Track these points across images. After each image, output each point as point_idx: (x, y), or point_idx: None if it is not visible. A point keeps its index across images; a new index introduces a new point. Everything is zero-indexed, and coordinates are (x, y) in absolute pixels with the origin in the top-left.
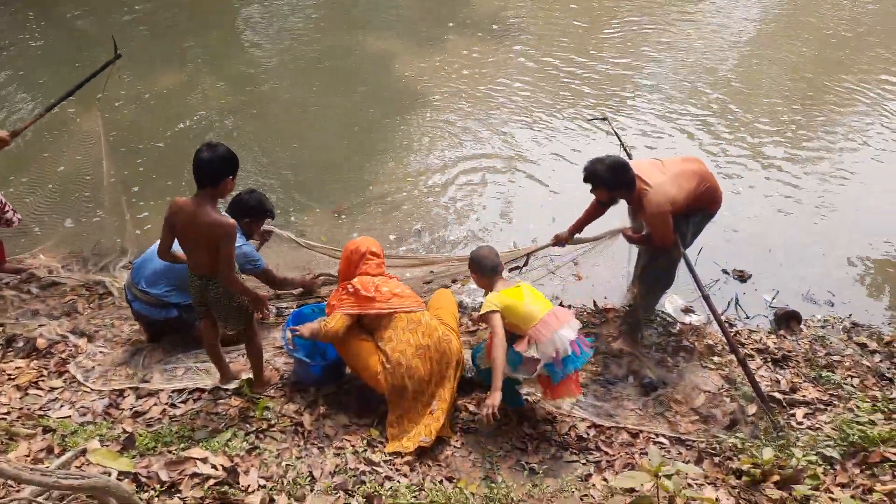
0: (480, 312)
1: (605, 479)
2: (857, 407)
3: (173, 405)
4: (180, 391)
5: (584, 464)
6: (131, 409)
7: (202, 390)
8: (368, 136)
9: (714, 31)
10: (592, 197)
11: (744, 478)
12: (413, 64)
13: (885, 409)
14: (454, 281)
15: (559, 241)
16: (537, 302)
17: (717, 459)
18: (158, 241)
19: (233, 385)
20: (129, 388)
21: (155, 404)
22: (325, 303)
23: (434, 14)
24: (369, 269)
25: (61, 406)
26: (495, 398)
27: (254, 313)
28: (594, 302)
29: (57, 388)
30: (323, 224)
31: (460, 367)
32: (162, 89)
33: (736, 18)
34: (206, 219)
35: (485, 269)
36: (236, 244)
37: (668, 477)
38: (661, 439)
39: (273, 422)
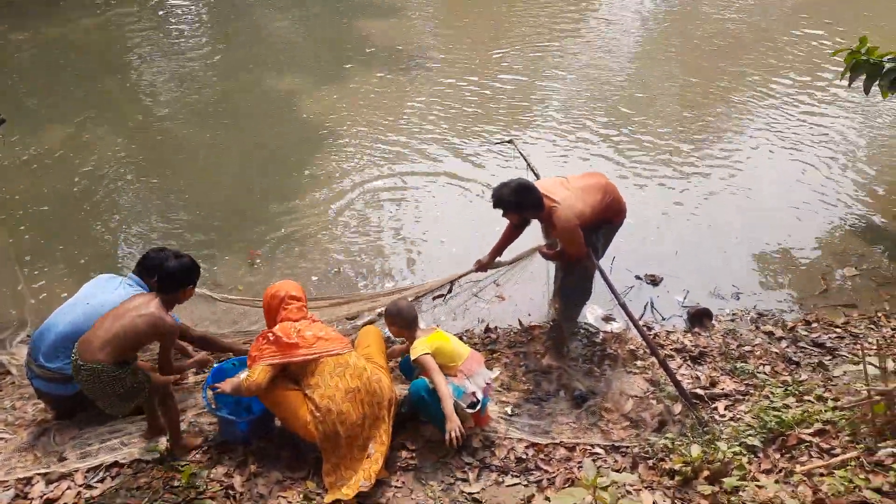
0: (413, 357)
1: (546, 499)
2: (772, 393)
3: (89, 486)
4: (96, 468)
5: (525, 485)
6: (41, 498)
7: (121, 464)
8: (275, 176)
9: (603, 51)
10: (506, 220)
11: (676, 477)
12: (315, 100)
13: (796, 392)
14: (381, 315)
15: (481, 266)
16: (459, 343)
17: (650, 462)
18: (56, 311)
19: (150, 455)
20: (38, 473)
21: (69, 488)
22: (246, 355)
23: (331, 52)
24: (290, 314)
25: None
26: (454, 421)
27: (145, 392)
28: (519, 321)
29: None
30: (237, 273)
31: (394, 405)
32: (51, 146)
33: (621, 32)
34: (153, 315)
35: (406, 322)
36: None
37: (605, 488)
38: (597, 449)
39: (202, 488)
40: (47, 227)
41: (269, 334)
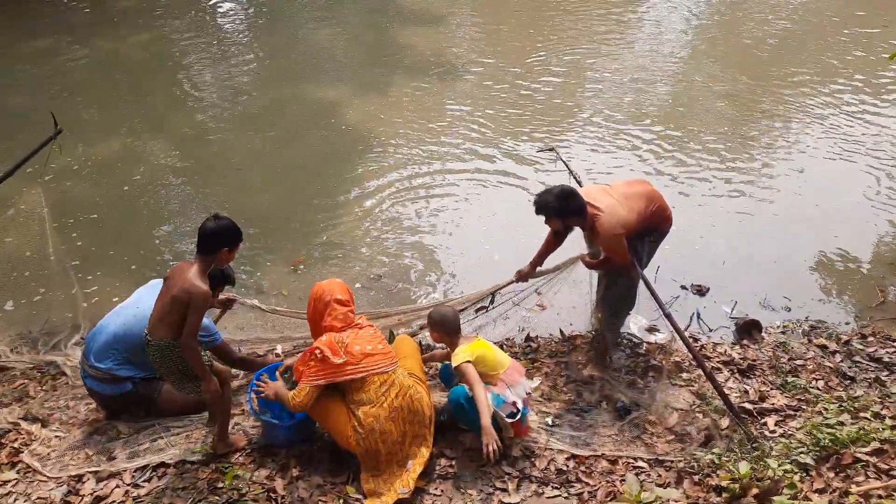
0: (455, 364)
1: None
2: (825, 409)
3: (136, 485)
4: (143, 468)
5: (566, 498)
6: (92, 495)
7: (167, 465)
8: (319, 184)
9: (647, 55)
10: (548, 228)
11: (724, 494)
12: (356, 109)
13: (851, 409)
14: (422, 327)
15: (521, 276)
16: (500, 352)
17: (696, 478)
18: (109, 314)
19: (195, 456)
20: (89, 471)
21: (117, 486)
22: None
23: (371, 60)
24: (335, 322)
25: (15, 500)
26: (490, 435)
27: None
28: (560, 330)
29: (10, 481)
30: (281, 278)
31: (434, 420)
32: (104, 156)
33: (666, 35)
34: (187, 280)
35: (450, 330)
36: None
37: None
38: (640, 463)
39: (244, 490)
40: (100, 233)
41: (317, 351)
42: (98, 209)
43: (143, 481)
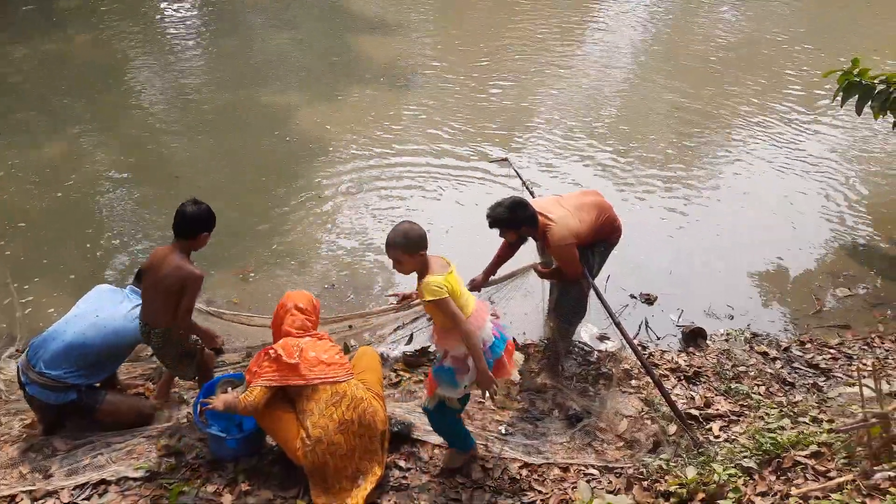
0: (428, 299)
1: None
2: (767, 414)
3: None
4: (82, 486)
5: None
6: None
7: (108, 482)
8: (269, 191)
9: (598, 67)
10: (501, 238)
11: (672, 499)
12: (310, 115)
13: (791, 414)
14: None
15: (475, 286)
16: (466, 290)
17: (645, 484)
18: (62, 321)
19: (138, 472)
20: (23, 491)
21: None
22: (244, 371)
23: (327, 67)
24: (291, 328)
25: None
26: (487, 378)
27: (202, 354)
28: (514, 339)
29: None
30: (230, 287)
31: (387, 437)
32: (44, 161)
33: (617, 50)
34: (175, 265)
35: (415, 246)
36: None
37: None
38: (591, 470)
39: None
40: (35, 241)
41: (271, 350)
42: (33, 216)
43: (83, 500)
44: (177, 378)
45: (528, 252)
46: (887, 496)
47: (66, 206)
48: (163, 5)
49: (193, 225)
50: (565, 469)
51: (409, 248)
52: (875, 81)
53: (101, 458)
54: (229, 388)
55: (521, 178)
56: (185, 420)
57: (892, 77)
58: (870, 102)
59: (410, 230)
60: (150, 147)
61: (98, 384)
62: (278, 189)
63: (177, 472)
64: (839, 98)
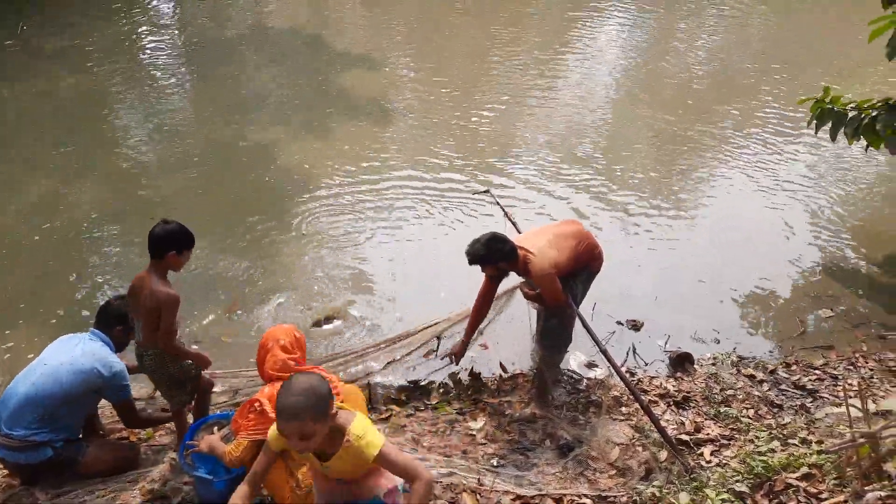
0: (374, 455)
1: None
2: (756, 437)
3: None
4: None
5: None
6: None
7: None
8: (253, 227)
9: (579, 98)
10: (479, 275)
11: None
12: (293, 151)
13: (780, 436)
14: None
15: (457, 355)
16: None
17: None
18: (15, 379)
19: None
20: None
21: None
22: (232, 414)
23: (309, 103)
24: (271, 370)
25: None
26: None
27: (197, 379)
28: (501, 365)
29: None
30: (218, 327)
31: None
32: (27, 201)
33: (595, 79)
34: (149, 289)
35: (326, 404)
36: (109, 359)
37: None
38: (585, 500)
39: None
40: (17, 284)
41: (256, 403)
42: (12, 258)
43: None
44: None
45: (514, 275)
46: None
47: (46, 247)
48: (147, 44)
49: (161, 244)
50: (558, 500)
51: (319, 410)
52: (847, 108)
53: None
54: (215, 429)
55: (503, 210)
56: (170, 463)
57: (863, 103)
58: (843, 129)
59: (313, 385)
60: (133, 186)
61: (80, 436)
62: (263, 225)
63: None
64: (814, 125)
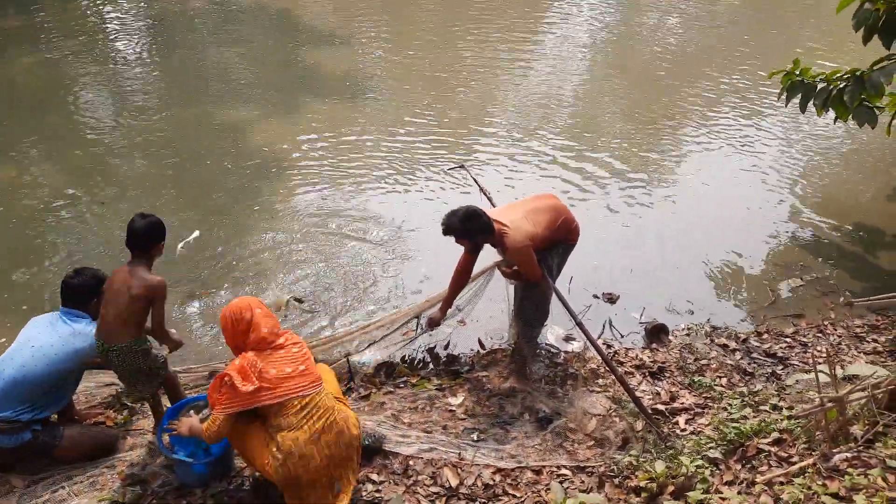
0: None
1: None
2: (729, 405)
3: None
4: None
5: None
6: None
7: None
8: (224, 210)
9: (553, 76)
10: (456, 249)
11: (643, 494)
12: (263, 131)
13: (752, 403)
14: (348, 355)
15: (433, 323)
16: None
17: (616, 481)
18: (2, 357)
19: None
20: None
21: None
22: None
23: (280, 81)
24: (266, 335)
25: None
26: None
27: (164, 369)
28: (479, 341)
29: None
30: (186, 313)
31: (360, 444)
32: None
33: (568, 58)
34: (139, 278)
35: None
36: (87, 336)
37: None
38: (564, 471)
39: None
40: None
41: (226, 378)
42: None
43: None
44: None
45: (491, 252)
46: (846, 477)
47: (9, 232)
48: (109, 23)
49: (146, 238)
50: (538, 472)
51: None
52: (816, 80)
53: (62, 491)
54: (192, 412)
55: (478, 185)
56: (148, 447)
57: (831, 75)
58: (812, 100)
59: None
60: (97, 170)
61: (54, 419)
62: (234, 208)
63: (143, 501)
64: (784, 97)
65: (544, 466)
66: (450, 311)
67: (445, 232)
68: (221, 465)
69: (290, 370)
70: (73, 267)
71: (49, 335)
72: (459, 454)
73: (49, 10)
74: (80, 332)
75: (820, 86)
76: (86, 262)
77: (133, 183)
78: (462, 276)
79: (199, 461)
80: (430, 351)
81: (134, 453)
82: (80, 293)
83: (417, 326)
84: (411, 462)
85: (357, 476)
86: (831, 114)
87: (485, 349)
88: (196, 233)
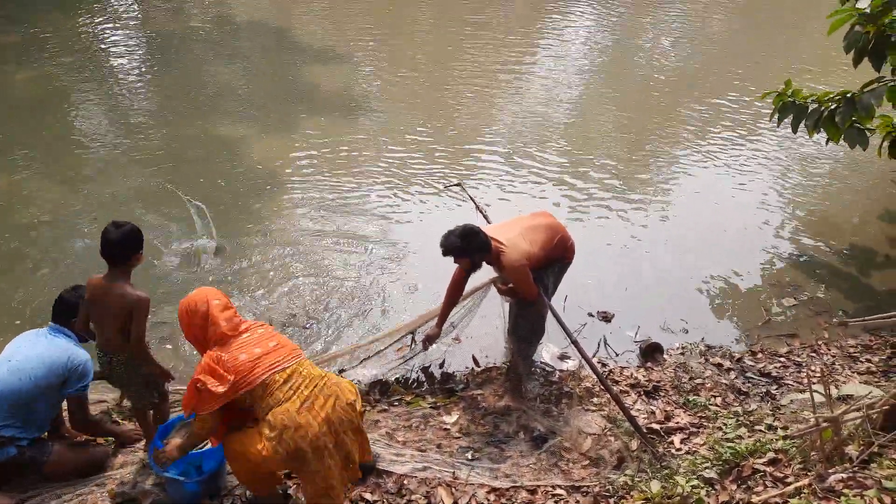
0: None
1: None
2: (724, 424)
3: None
4: None
5: None
6: None
7: None
8: (219, 226)
9: (547, 94)
10: (453, 266)
11: None
12: (260, 148)
13: (747, 423)
14: (341, 371)
15: (431, 339)
16: None
17: (611, 501)
18: None
19: None
20: None
21: None
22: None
23: (276, 99)
24: (223, 329)
25: None
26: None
27: (163, 384)
28: (474, 358)
29: None
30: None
31: (360, 402)
32: None
33: (563, 78)
34: (118, 293)
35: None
36: (75, 350)
37: None
38: (559, 490)
39: None
40: None
41: (198, 384)
42: None
43: None
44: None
45: (487, 270)
46: (842, 498)
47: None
48: (107, 38)
49: (121, 249)
50: (533, 491)
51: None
52: (807, 101)
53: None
54: (184, 430)
55: (474, 202)
56: (140, 464)
57: (822, 97)
58: (804, 121)
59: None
60: (93, 185)
61: (44, 435)
62: (229, 224)
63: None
64: (776, 118)
65: (539, 486)
66: (445, 325)
67: (445, 253)
68: (213, 483)
69: (259, 350)
70: (57, 281)
71: (29, 349)
72: (454, 473)
73: (46, 25)
74: (59, 346)
75: (811, 107)
76: (70, 277)
77: (127, 201)
78: (456, 291)
79: (190, 479)
80: (425, 370)
81: (124, 471)
82: (59, 311)
83: (412, 343)
84: (405, 481)
85: (369, 448)
86: (823, 135)
87: (479, 367)
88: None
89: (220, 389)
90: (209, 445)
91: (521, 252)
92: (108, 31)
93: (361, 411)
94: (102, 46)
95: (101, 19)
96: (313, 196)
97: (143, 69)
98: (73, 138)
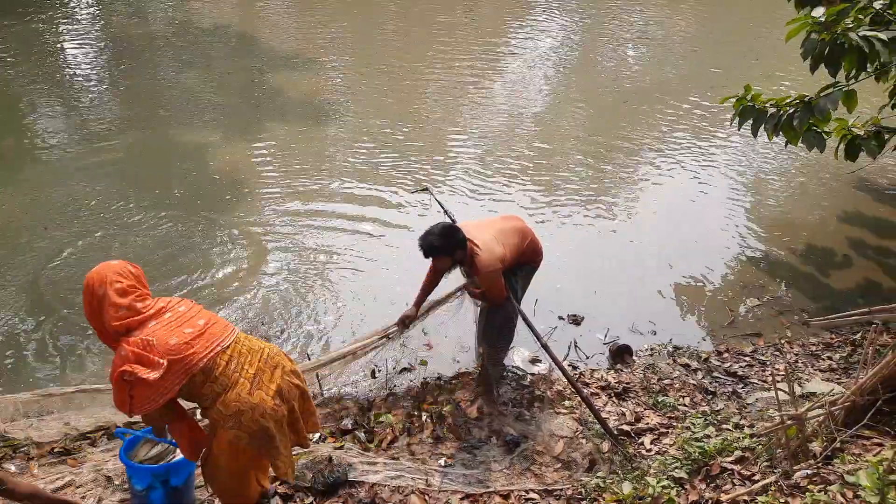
0: None
1: None
2: (693, 424)
3: None
4: None
5: None
6: None
7: None
8: (183, 239)
9: (514, 102)
10: (426, 268)
11: None
12: (225, 155)
13: (715, 422)
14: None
15: (407, 319)
16: None
17: (584, 503)
18: None
19: None
20: None
21: None
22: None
23: (242, 104)
24: (115, 321)
25: None
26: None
27: None
28: (449, 368)
29: None
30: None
31: (302, 377)
32: None
33: (531, 82)
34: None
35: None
36: None
37: None
38: (532, 495)
39: None
40: None
41: (126, 375)
42: None
43: None
44: None
45: (457, 275)
46: (807, 494)
47: None
48: (65, 43)
49: None
50: (506, 496)
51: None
52: (766, 105)
53: None
54: (147, 447)
55: (442, 207)
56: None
57: (781, 101)
58: (763, 125)
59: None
60: (51, 193)
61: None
62: (194, 237)
63: None
64: (736, 121)
65: (512, 491)
66: (416, 329)
67: (427, 253)
68: (181, 495)
69: (191, 331)
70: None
71: None
72: (427, 480)
73: (1, 27)
74: None
75: (770, 111)
76: (20, 298)
77: (85, 210)
78: (434, 277)
79: (156, 489)
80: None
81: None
82: None
83: (387, 338)
84: (378, 490)
85: (316, 417)
86: (782, 138)
87: (451, 374)
88: None
89: (154, 376)
90: (180, 456)
91: (496, 256)
92: (67, 35)
93: (303, 378)
94: (62, 50)
95: (59, 24)
96: (278, 202)
97: (105, 74)
98: (26, 146)
